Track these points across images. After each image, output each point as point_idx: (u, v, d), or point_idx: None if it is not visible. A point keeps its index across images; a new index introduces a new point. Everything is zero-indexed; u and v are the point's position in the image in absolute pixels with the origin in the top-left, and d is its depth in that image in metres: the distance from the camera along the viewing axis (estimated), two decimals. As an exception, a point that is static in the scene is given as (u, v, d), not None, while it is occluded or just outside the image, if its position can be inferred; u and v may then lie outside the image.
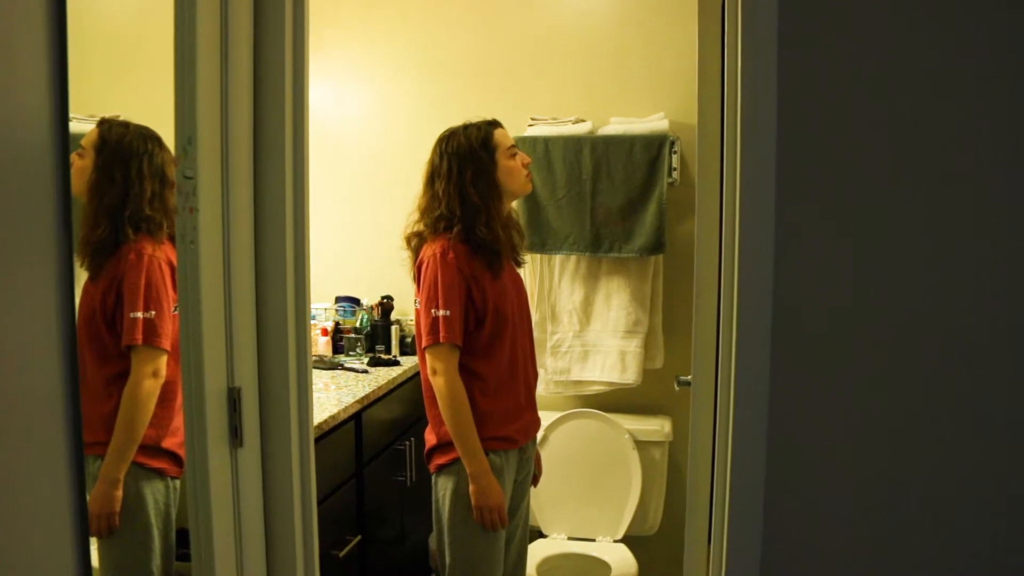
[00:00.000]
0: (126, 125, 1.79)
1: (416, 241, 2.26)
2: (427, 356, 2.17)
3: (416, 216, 2.26)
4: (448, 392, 2.13)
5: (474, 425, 2.14)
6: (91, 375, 1.77)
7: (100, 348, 1.76)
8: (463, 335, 2.16)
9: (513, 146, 2.26)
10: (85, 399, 1.75)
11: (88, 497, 1.72)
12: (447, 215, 2.19)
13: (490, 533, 2.18)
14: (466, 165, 2.20)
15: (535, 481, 2.51)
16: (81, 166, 1.74)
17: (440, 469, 2.22)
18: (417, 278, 2.22)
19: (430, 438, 2.25)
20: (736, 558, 1.34)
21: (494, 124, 2.28)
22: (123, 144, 1.78)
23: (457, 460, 2.16)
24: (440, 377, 2.14)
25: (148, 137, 1.81)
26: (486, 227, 2.18)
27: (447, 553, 2.21)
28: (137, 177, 1.76)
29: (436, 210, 2.20)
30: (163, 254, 1.78)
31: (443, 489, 2.21)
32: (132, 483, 1.75)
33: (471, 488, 2.13)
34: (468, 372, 2.18)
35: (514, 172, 2.24)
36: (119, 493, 1.72)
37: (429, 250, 2.19)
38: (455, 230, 2.17)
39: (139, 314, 1.73)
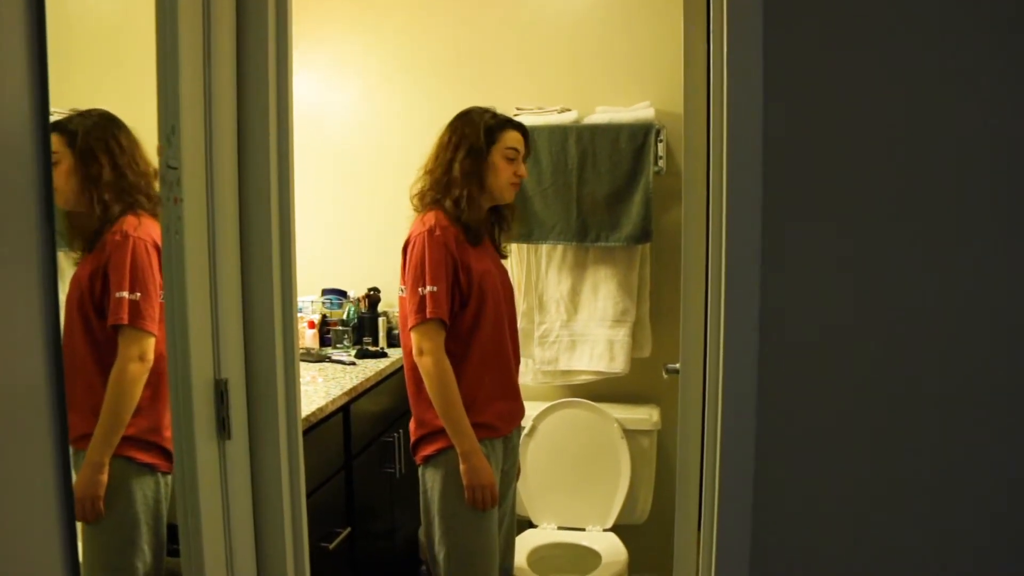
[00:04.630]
0: (85, 113, 1.77)
1: (416, 202, 2.29)
2: (413, 336, 2.16)
3: (420, 174, 2.30)
4: (436, 371, 2.12)
5: (462, 404, 2.14)
6: (84, 364, 1.76)
7: (90, 335, 1.75)
8: (449, 314, 2.15)
9: (515, 150, 2.26)
10: (80, 389, 1.75)
11: (75, 485, 1.71)
12: (434, 183, 2.24)
13: (483, 519, 2.17)
14: (464, 143, 2.22)
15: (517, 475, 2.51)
16: (64, 170, 1.72)
17: (427, 460, 2.21)
18: (403, 259, 2.22)
19: (415, 428, 2.24)
20: (726, 545, 1.34)
21: (513, 124, 2.30)
22: (92, 130, 1.76)
23: (443, 450, 2.16)
24: (427, 357, 2.13)
25: (109, 118, 1.79)
26: (456, 201, 2.20)
27: (441, 545, 2.20)
28: (114, 156, 1.76)
29: (430, 174, 2.26)
30: (148, 235, 1.76)
31: (431, 480, 2.20)
32: (121, 477, 1.73)
33: (462, 468, 2.12)
34: (450, 355, 2.16)
35: (499, 173, 2.24)
36: (103, 478, 1.71)
37: (415, 228, 2.20)
38: (445, 203, 2.21)
39: (124, 294, 1.71)
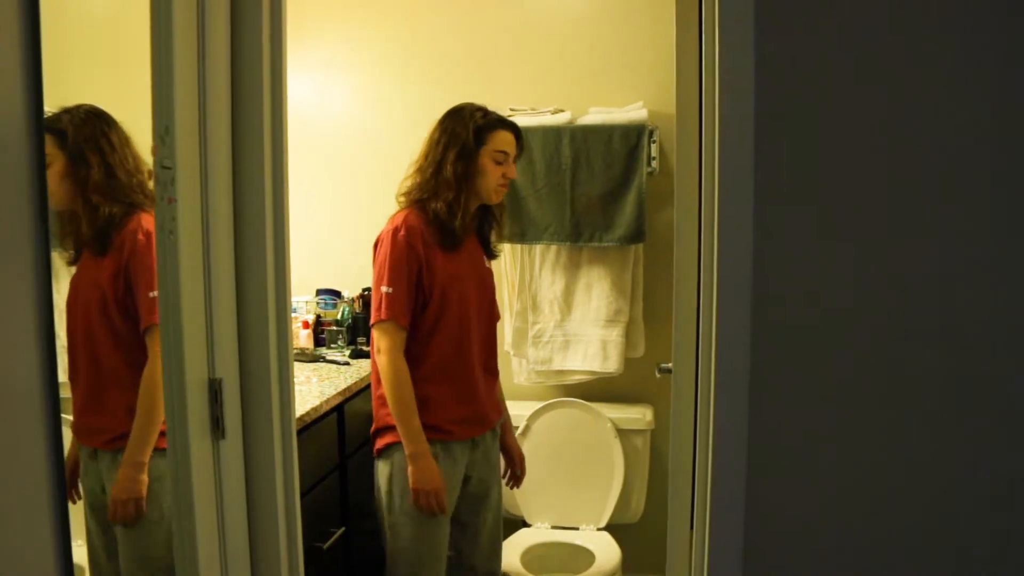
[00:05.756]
0: (72, 109, 1.75)
1: (402, 200, 2.26)
2: (373, 334, 2.17)
3: (410, 171, 2.27)
4: (390, 371, 2.12)
5: (415, 407, 2.12)
6: (113, 366, 1.75)
7: (116, 337, 1.74)
8: (409, 315, 2.14)
9: (504, 152, 2.22)
10: (111, 391, 1.74)
11: (113, 487, 1.72)
12: (423, 183, 2.21)
13: (429, 523, 2.15)
14: (453, 143, 2.19)
15: (517, 482, 2.49)
16: (56, 171, 1.70)
17: (379, 454, 2.21)
18: (374, 258, 2.22)
19: (373, 422, 2.25)
20: (718, 543, 1.35)
21: (504, 124, 2.25)
22: (83, 127, 1.74)
23: (391, 446, 2.16)
24: (383, 356, 2.13)
25: (98, 113, 1.78)
26: (446, 205, 2.16)
27: (387, 540, 2.20)
28: (110, 149, 1.74)
29: (420, 173, 2.23)
30: None
31: (380, 475, 2.20)
32: (159, 471, 1.72)
33: (410, 469, 2.10)
34: (409, 356, 2.16)
35: (487, 174, 2.21)
36: (144, 477, 1.71)
37: (385, 227, 2.20)
38: (434, 204, 2.17)
39: (156, 293, 1.70)
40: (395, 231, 2.15)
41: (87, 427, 1.78)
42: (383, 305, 2.12)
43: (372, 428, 2.25)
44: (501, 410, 2.42)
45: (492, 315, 2.37)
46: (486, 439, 2.32)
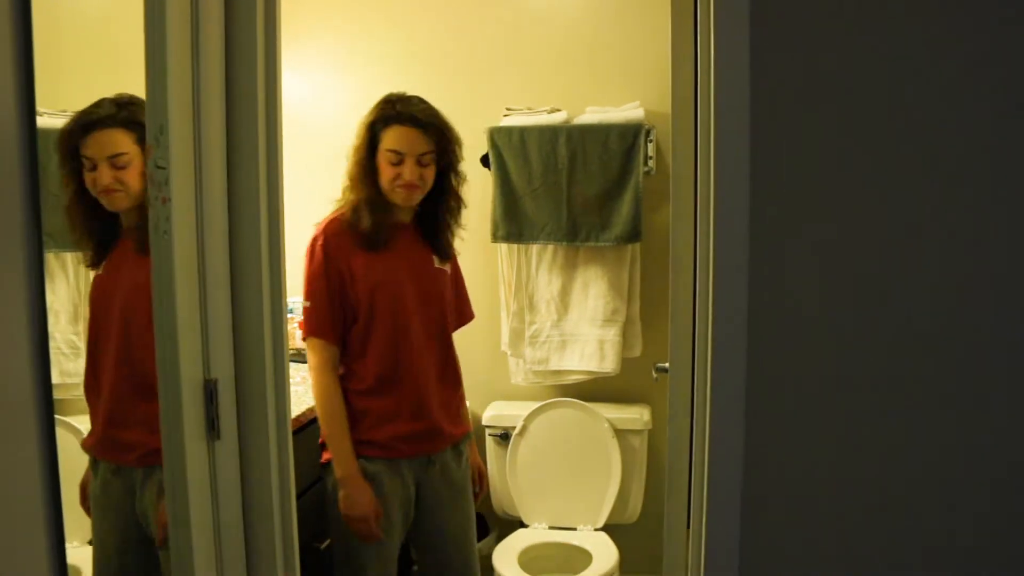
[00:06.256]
0: (136, 99, 1.67)
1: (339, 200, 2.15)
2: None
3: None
4: (316, 389, 2.02)
5: (345, 426, 2.00)
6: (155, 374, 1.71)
7: None
8: (335, 328, 2.03)
9: (395, 152, 2.00)
10: (148, 402, 1.58)
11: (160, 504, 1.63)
12: (344, 184, 2.11)
13: (368, 546, 2.03)
14: (356, 138, 2.07)
15: (475, 498, 2.30)
16: (138, 169, 1.66)
17: (323, 467, 2.11)
18: None
19: None
20: (715, 544, 1.35)
21: (400, 119, 2.01)
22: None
23: (331, 462, 2.05)
24: (312, 372, 2.02)
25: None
26: (351, 206, 2.05)
27: (335, 552, 2.12)
28: None
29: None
30: None
31: (328, 486, 2.09)
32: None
33: (340, 493, 1.99)
34: (345, 367, 2.07)
35: (382, 175, 2.03)
36: None
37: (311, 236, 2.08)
38: (347, 208, 2.06)
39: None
40: (313, 240, 2.05)
41: (114, 441, 1.73)
42: (305, 321, 2.02)
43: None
44: (462, 425, 2.22)
45: (445, 320, 2.18)
46: (445, 456, 2.15)
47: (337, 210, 2.11)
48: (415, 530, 2.16)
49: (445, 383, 2.16)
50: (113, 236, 1.74)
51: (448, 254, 2.20)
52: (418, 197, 2.07)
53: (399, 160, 2.00)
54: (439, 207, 2.14)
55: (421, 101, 2.08)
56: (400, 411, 2.06)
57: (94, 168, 1.68)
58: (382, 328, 2.05)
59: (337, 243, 2.02)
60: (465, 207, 2.22)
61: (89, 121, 1.66)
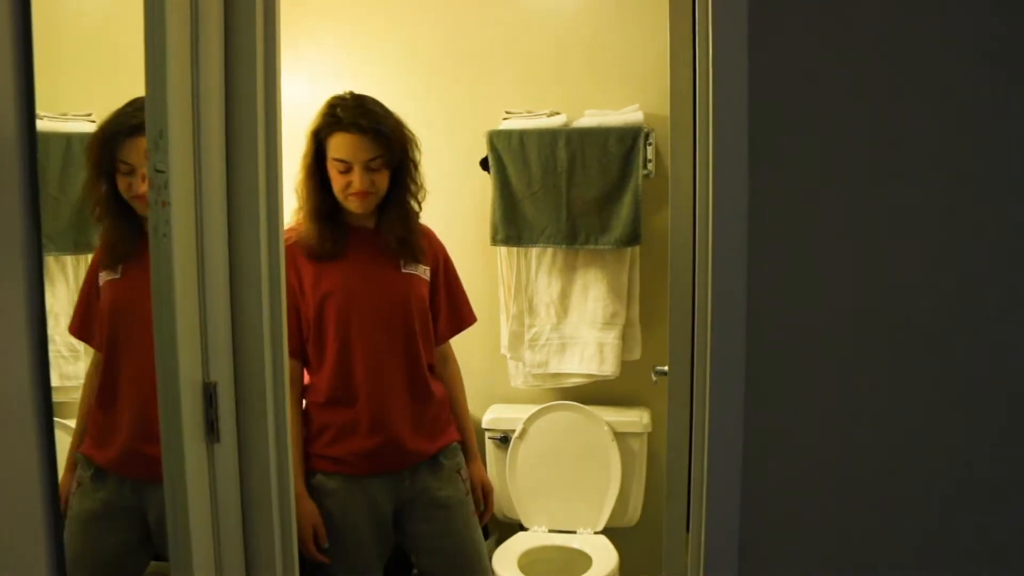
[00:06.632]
0: None
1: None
2: None
3: None
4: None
5: (298, 443, 1.93)
6: None
7: None
8: (293, 340, 1.93)
9: (342, 161, 1.93)
10: None
11: None
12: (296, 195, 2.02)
13: (336, 549, 1.97)
14: (307, 147, 1.98)
15: (481, 518, 2.19)
16: None
17: None
18: None
19: None
20: (714, 547, 1.35)
21: (344, 126, 1.91)
22: None
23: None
24: None
25: None
26: (307, 217, 1.97)
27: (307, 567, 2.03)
28: None
29: None
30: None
31: None
32: None
33: None
34: (308, 380, 2.03)
35: (334, 182, 1.96)
36: None
37: None
38: (297, 215, 1.99)
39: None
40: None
41: (137, 455, 1.69)
42: None
43: None
44: (440, 438, 2.10)
45: (411, 328, 2.04)
46: (419, 472, 2.05)
47: (294, 220, 2.03)
48: (410, 549, 2.12)
49: (417, 397, 2.05)
50: (135, 241, 1.71)
51: (416, 256, 2.07)
52: (373, 203, 2.00)
53: (347, 168, 1.93)
54: (399, 209, 2.05)
55: (363, 103, 1.98)
56: (357, 426, 1.99)
57: (130, 173, 1.67)
58: (332, 341, 1.97)
59: (290, 255, 1.84)
60: (424, 197, 2.12)
61: (134, 125, 1.60)
